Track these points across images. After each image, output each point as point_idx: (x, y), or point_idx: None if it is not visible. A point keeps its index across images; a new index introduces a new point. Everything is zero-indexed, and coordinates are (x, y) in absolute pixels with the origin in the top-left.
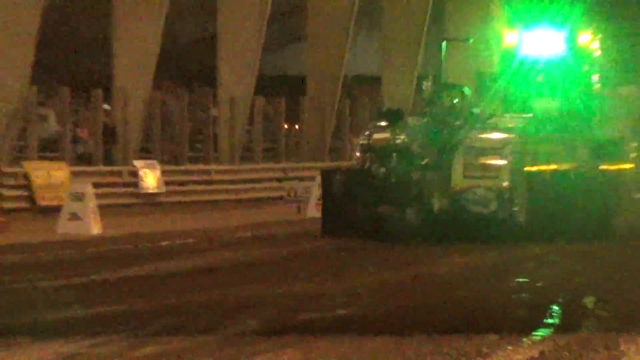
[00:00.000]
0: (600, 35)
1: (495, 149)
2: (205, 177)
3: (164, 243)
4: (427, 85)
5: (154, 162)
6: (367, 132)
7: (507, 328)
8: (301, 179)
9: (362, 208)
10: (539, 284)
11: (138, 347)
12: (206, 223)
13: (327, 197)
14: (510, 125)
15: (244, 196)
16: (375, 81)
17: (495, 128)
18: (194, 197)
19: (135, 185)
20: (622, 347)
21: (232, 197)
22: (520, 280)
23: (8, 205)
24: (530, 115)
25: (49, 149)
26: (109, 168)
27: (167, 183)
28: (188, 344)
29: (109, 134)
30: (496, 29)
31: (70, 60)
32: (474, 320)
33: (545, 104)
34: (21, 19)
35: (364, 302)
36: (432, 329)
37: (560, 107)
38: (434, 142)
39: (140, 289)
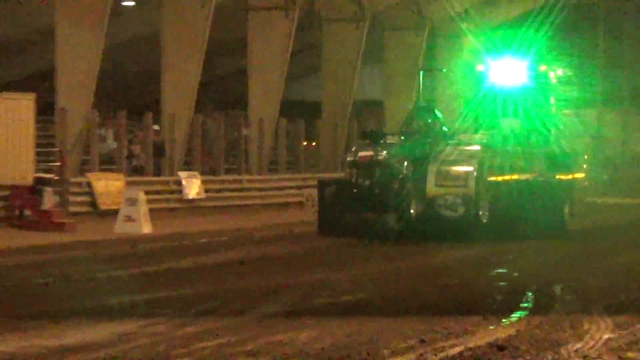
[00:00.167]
0: (555, 65)
1: (463, 162)
2: (238, 186)
3: (203, 240)
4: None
5: (196, 173)
6: (352, 150)
7: (488, 310)
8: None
9: (350, 214)
10: (515, 274)
11: (181, 327)
12: (238, 224)
13: (321, 203)
14: (475, 141)
15: (270, 201)
16: (378, 105)
17: (463, 143)
18: (229, 202)
19: (180, 192)
20: (586, 327)
21: (260, 202)
22: (499, 270)
23: (74, 209)
24: (494, 131)
25: (108, 163)
26: (157, 178)
27: (206, 190)
28: (223, 324)
29: (158, 150)
30: (468, 60)
31: (127, 88)
32: (460, 304)
33: (510, 123)
34: (86, 55)
35: (367, 288)
36: (425, 310)
37: (522, 125)
38: (410, 157)
39: (183, 279)
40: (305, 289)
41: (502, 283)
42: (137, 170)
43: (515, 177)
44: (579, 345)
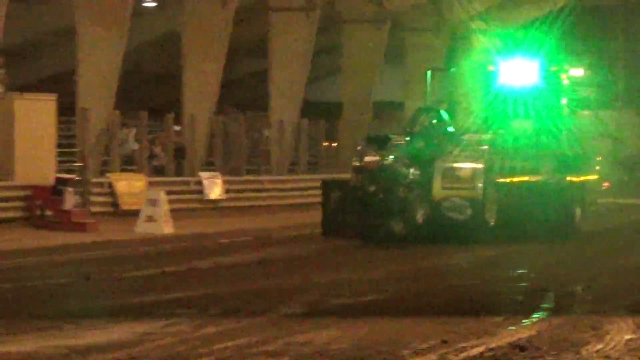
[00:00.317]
0: (569, 66)
1: (470, 163)
2: (259, 186)
3: (223, 241)
4: (443, 108)
5: (217, 173)
6: (358, 155)
7: (509, 311)
8: None
9: (355, 219)
10: (533, 275)
11: (202, 327)
12: (259, 224)
13: (325, 205)
14: (483, 142)
15: (290, 202)
16: (399, 106)
17: (470, 145)
18: (249, 203)
19: (201, 192)
20: (606, 327)
21: (281, 202)
22: (518, 271)
23: (96, 209)
24: (503, 132)
25: (130, 163)
26: (179, 178)
27: (227, 191)
28: (243, 324)
29: (180, 152)
30: (479, 60)
31: (148, 89)
32: (480, 304)
33: (520, 123)
34: (107, 56)
35: (387, 289)
36: (445, 311)
37: (532, 125)
38: (416, 160)
39: (204, 279)
40: (325, 289)
41: (521, 284)
42: (159, 171)
43: (524, 178)
44: (600, 346)
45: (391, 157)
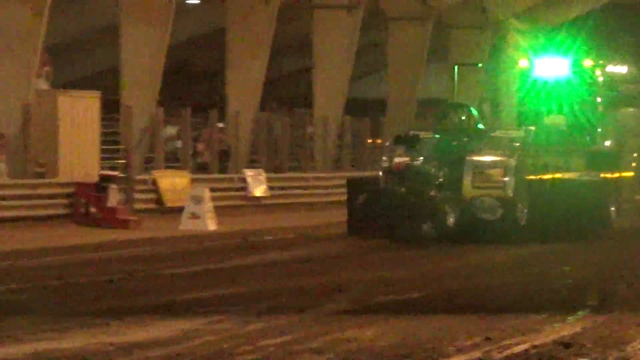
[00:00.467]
0: (602, 62)
1: (501, 162)
2: (302, 183)
3: (267, 238)
4: (486, 106)
5: (260, 170)
6: (386, 156)
7: (553, 308)
8: None
9: (384, 222)
10: (576, 272)
11: (246, 324)
12: (303, 221)
13: (351, 204)
14: (514, 139)
15: (334, 199)
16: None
17: (500, 142)
18: (293, 200)
19: (245, 189)
20: None
21: (325, 199)
22: (561, 268)
23: (139, 206)
24: (535, 128)
25: (174, 160)
26: (223, 175)
27: (270, 188)
28: (288, 321)
29: (224, 155)
30: (507, 56)
31: (191, 86)
32: (524, 301)
33: (553, 119)
34: (151, 53)
35: (430, 286)
36: (488, 308)
37: (566, 122)
38: (445, 158)
39: (248, 276)
40: (370, 286)
41: (564, 281)
42: (202, 168)
43: (556, 176)
44: None
45: (420, 158)
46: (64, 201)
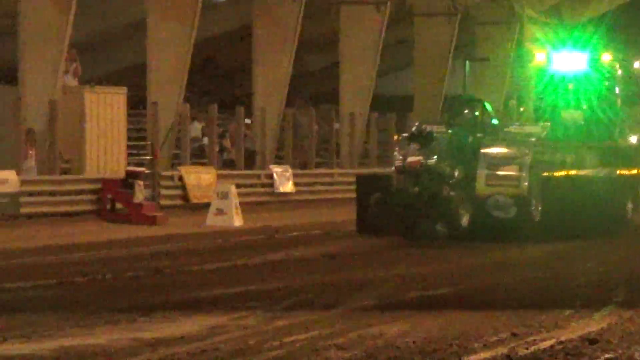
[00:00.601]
0: (621, 56)
1: (515, 158)
2: (329, 179)
3: (294, 234)
4: (513, 103)
5: (287, 166)
6: (400, 154)
7: (579, 303)
8: None
9: (397, 221)
10: (601, 268)
11: (272, 320)
12: (329, 217)
13: (361, 204)
14: (528, 134)
15: None
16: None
17: (515, 138)
18: (320, 196)
19: (271, 185)
20: None
21: (352, 196)
22: (586, 264)
23: (166, 202)
24: (551, 123)
25: (200, 156)
26: (249, 172)
27: (297, 184)
28: (314, 317)
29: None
30: (525, 50)
31: (218, 83)
32: (550, 297)
33: (572, 115)
34: (177, 49)
35: (456, 282)
36: (514, 304)
37: (584, 117)
38: (459, 156)
39: (274, 272)
40: (395, 282)
41: (589, 277)
42: (228, 164)
43: (572, 172)
44: None
45: (434, 157)
46: (90, 197)
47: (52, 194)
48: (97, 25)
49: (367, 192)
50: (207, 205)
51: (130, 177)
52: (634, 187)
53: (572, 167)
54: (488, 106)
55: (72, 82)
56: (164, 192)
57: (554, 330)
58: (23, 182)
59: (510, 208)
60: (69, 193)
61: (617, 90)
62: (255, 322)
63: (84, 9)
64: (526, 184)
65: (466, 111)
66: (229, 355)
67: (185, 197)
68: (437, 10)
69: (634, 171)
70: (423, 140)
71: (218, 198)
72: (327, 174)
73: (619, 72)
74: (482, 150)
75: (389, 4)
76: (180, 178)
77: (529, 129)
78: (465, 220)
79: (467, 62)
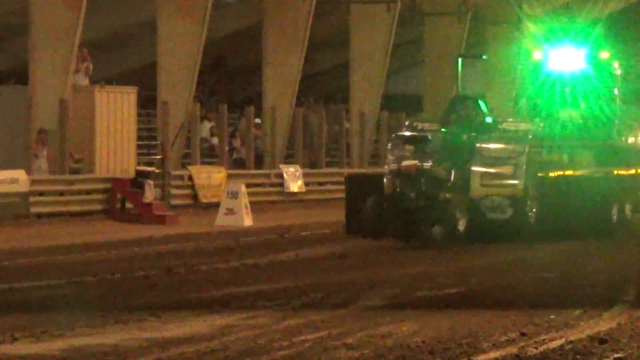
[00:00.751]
0: (619, 54)
1: (510, 158)
2: (339, 179)
3: (304, 233)
4: (523, 101)
5: (297, 166)
6: (394, 156)
7: (589, 303)
8: None
9: (392, 226)
10: (612, 268)
11: (282, 319)
12: (339, 217)
13: (351, 205)
14: (524, 133)
15: None
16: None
17: (510, 137)
18: (330, 195)
19: (281, 185)
20: None
21: None
22: (595, 264)
23: (176, 202)
24: (546, 122)
25: (210, 156)
26: (259, 171)
27: (307, 184)
28: (324, 316)
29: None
30: (523, 47)
31: (228, 82)
32: (559, 297)
33: (568, 113)
34: (187, 49)
35: (467, 281)
36: (524, 303)
37: (582, 115)
38: (454, 156)
39: (285, 271)
40: (406, 281)
41: (599, 276)
42: (238, 163)
43: (567, 172)
44: None
45: (429, 162)
46: (100, 197)
47: (62, 193)
48: (108, 24)
49: (358, 192)
50: (217, 205)
51: (140, 177)
52: (633, 187)
53: (568, 167)
54: (482, 104)
55: (84, 81)
56: (173, 191)
57: (563, 329)
58: (33, 182)
59: (506, 209)
60: (79, 192)
61: (615, 88)
62: (264, 322)
63: (94, 9)
64: (521, 182)
65: (460, 109)
66: (238, 355)
67: (195, 197)
68: (447, 9)
69: (632, 171)
70: (418, 142)
71: (228, 197)
72: (337, 174)
73: (618, 70)
74: (477, 149)
75: (399, 3)
76: (190, 177)
77: (522, 126)
78: (462, 225)
79: (460, 59)
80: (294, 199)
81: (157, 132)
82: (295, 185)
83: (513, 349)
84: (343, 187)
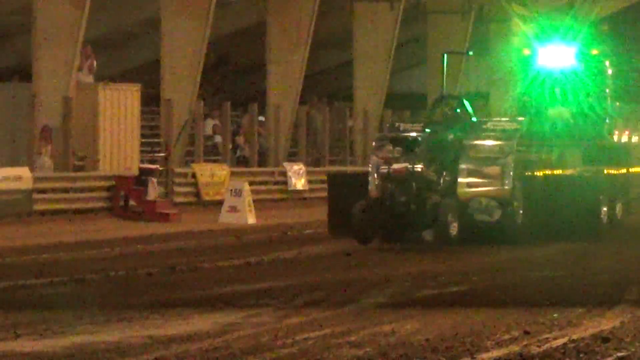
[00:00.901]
0: (609, 53)
1: (497, 158)
2: None
3: (307, 231)
4: (526, 99)
5: (300, 164)
6: (381, 158)
7: (592, 302)
8: None
9: (382, 230)
10: (616, 266)
11: (285, 317)
12: None
13: (334, 204)
14: (511, 131)
15: None
16: (485, 97)
17: (497, 136)
18: None
19: (284, 183)
20: None
21: None
22: (598, 263)
23: (179, 199)
24: (534, 119)
25: (213, 154)
26: (262, 169)
27: (310, 182)
28: (327, 314)
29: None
30: (514, 44)
31: (232, 80)
32: (562, 296)
33: (557, 111)
34: (191, 47)
35: (470, 280)
36: (527, 302)
37: (570, 114)
38: (441, 157)
39: (288, 269)
40: (409, 280)
41: (601, 275)
42: (242, 161)
43: (555, 171)
44: None
45: (420, 164)
46: (104, 194)
47: (65, 190)
48: (112, 22)
49: (341, 192)
50: (220, 203)
51: (144, 174)
52: (624, 187)
53: (557, 166)
54: (466, 103)
55: (88, 78)
56: (177, 189)
57: (566, 328)
58: (36, 179)
59: (494, 211)
60: (82, 190)
61: (606, 86)
62: (267, 320)
63: (98, 6)
64: (509, 182)
65: (444, 109)
66: (241, 353)
67: (198, 195)
68: (451, 7)
69: (623, 170)
70: (408, 143)
71: (231, 195)
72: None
73: (608, 67)
74: (463, 150)
75: (402, 1)
76: (194, 175)
77: (508, 125)
78: (454, 228)
79: (445, 55)
80: (298, 197)
81: (161, 129)
82: (298, 183)
83: (516, 348)
84: None
